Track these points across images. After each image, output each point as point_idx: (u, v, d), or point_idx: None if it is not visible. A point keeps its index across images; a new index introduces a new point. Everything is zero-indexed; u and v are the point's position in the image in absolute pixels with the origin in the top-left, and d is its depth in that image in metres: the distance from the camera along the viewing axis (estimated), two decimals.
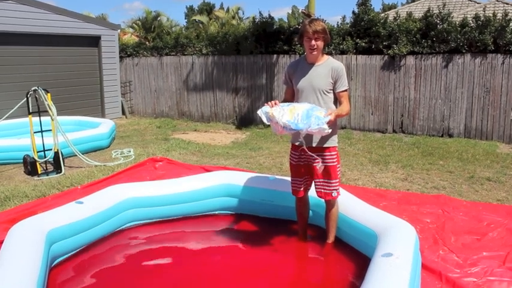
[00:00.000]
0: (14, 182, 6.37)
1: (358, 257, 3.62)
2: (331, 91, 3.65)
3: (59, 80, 11.05)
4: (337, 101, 3.72)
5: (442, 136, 9.28)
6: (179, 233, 4.38)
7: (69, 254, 3.67)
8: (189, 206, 4.56)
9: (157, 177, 5.72)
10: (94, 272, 3.58)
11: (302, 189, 3.85)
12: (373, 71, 9.77)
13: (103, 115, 12.09)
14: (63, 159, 6.91)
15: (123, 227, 4.26)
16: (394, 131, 9.75)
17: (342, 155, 7.53)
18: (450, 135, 9.21)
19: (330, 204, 3.78)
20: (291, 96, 3.79)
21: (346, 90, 3.67)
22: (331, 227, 3.85)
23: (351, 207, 3.84)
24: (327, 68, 3.63)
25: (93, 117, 10.43)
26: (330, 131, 3.35)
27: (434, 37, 9.14)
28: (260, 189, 4.47)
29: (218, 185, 4.63)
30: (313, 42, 3.55)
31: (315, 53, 3.61)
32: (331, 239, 3.87)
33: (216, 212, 4.69)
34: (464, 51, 8.95)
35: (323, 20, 3.54)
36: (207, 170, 5.94)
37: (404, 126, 9.65)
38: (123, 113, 13.08)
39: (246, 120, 11.33)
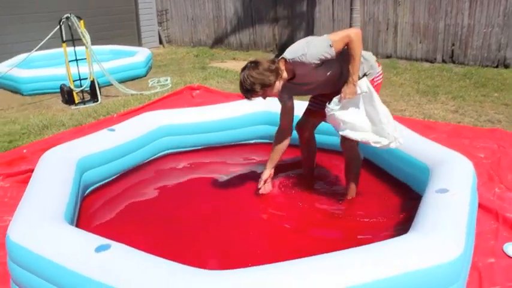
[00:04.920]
0: (52, 111, 6.37)
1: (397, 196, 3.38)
2: (324, 60, 2.90)
3: (93, 8, 10.74)
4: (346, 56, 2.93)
5: (497, 67, 8.59)
6: (215, 162, 4.23)
7: (103, 183, 3.60)
8: (226, 134, 4.39)
9: (194, 106, 5.53)
10: (126, 201, 3.50)
11: (315, 110, 3.33)
12: None
13: (140, 44, 11.85)
14: (99, 88, 6.82)
15: (157, 155, 4.14)
16: (443, 61, 9.11)
17: (387, 85, 7.14)
18: (506, 66, 8.51)
19: (347, 149, 3.21)
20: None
21: (331, 45, 2.83)
22: (349, 181, 3.32)
23: None
24: (303, 67, 2.96)
25: (129, 46, 10.19)
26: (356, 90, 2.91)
27: None
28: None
29: (257, 112, 4.38)
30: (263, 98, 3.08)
31: (278, 95, 3.08)
32: (350, 195, 3.34)
33: (254, 141, 4.50)
34: None
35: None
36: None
37: (455, 55, 8.98)
38: (160, 42, 12.83)
39: (286, 48, 10.84)
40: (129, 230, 3.04)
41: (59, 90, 6.87)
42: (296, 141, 3.50)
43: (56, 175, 2.90)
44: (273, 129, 4.22)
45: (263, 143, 4.46)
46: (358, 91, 2.90)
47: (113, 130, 3.73)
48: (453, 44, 8.96)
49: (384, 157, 3.62)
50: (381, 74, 3.17)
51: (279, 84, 2.96)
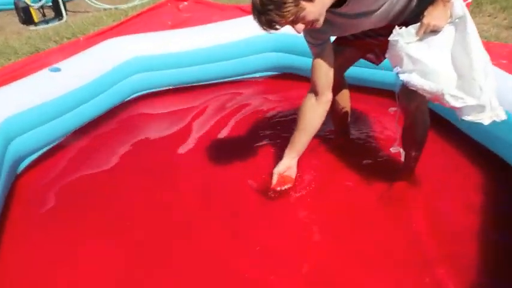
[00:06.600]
0: (4, 34, 5.24)
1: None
2: None
3: None
4: None
5: None
6: (206, 108, 3.12)
7: (45, 150, 2.54)
8: (221, 66, 3.30)
9: (181, 23, 4.33)
10: (79, 181, 2.40)
11: (353, 39, 2.10)
12: None
13: None
14: (63, 2, 5.62)
15: (124, 100, 3.07)
16: None
17: None
18: None
19: (412, 107, 2.01)
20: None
21: None
22: (408, 154, 2.19)
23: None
24: None
25: None
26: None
27: None
28: None
29: (261, 35, 3.21)
30: (297, 27, 1.68)
31: (319, 24, 1.70)
32: (407, 174, 2.26)
33: (258, 75, 3.43)
34: None
35: None
36: (246, 12, 4.53)
37: None
38: None
39: None
40: (79, 239, 2.02)
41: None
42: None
43: None
44: (283, 58, 3.28)
45: (273, 76, 3.43)
46: (450, 18, 1.74)
47: (57, 70, 2.60)
48: None
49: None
50: None
51: (321, 5, 1.66)
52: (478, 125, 1.79)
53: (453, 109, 1.75)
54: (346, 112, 2.43)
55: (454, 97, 1.70)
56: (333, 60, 1.97)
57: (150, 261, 1.88)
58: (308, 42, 1.96)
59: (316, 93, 2.03)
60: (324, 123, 2.07)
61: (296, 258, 1.89)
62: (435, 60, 1.76)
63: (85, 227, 2.07)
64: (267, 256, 1.89)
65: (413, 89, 1.78)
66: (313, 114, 2.04)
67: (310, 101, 2.04)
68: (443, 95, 1.70)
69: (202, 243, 1.97)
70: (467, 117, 1.75)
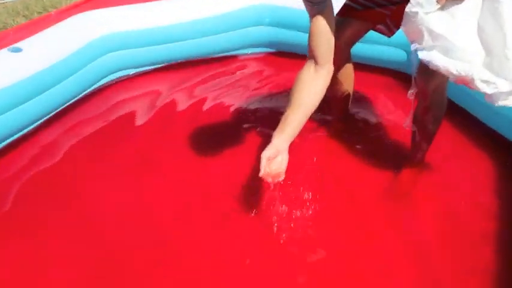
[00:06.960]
0: None
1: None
2: None
3: None
4: None
5: None
6: (187, 86, 2.85)
7: (6, 143, 2.23)
8: (206, 42, 3.02)
9: None
10: (44, 169, 2.13)
11: (360, 9, 1.89)
12: None
13: None
14: None
15: (97, 86, 2.75)
16: None
17: None
18: None
19: (430, 87, 1.80)
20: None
21: None
22: (420, 138, 1.97)
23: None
24: None
25: None
26: None
27: None
28: None
29: (252, 6, 3.00)
30: None
31: None
32: (415, 162, 2.03)
33: (249, 52, 3.15)
34: None
35: None
36: None
37: None
38: None
39: None
40: (42, 244, 1.75)
41: None
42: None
43: None
44: (278, 33, 3.02)
45: (264, 53, 3.18)
46: None
47: (18, 50, 2.29)
48: None
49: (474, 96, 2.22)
50: None
51: None
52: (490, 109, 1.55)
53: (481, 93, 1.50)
54: (349, 94, 2.18)
55: (486, 82, 1.44)
56: (334, 24, 1.65)
57: (120, 269, 1.63)
58: (306, 0, 1.64)
59: (315, 63, 1.68)
60: (320, 104, 1.73)
61: (279, 274, 1.63)
62: (460, 35, 1.48)
63: (49, 231, 1.79)
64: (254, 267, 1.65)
65: (434, 69, 1.51)
66: (312, 88, 1.68)
67: (309, 72, 1.68)
68: (473, 80, 1.43)
69: (185, 249, 1.72)
70: (497, 103, 1.49)
